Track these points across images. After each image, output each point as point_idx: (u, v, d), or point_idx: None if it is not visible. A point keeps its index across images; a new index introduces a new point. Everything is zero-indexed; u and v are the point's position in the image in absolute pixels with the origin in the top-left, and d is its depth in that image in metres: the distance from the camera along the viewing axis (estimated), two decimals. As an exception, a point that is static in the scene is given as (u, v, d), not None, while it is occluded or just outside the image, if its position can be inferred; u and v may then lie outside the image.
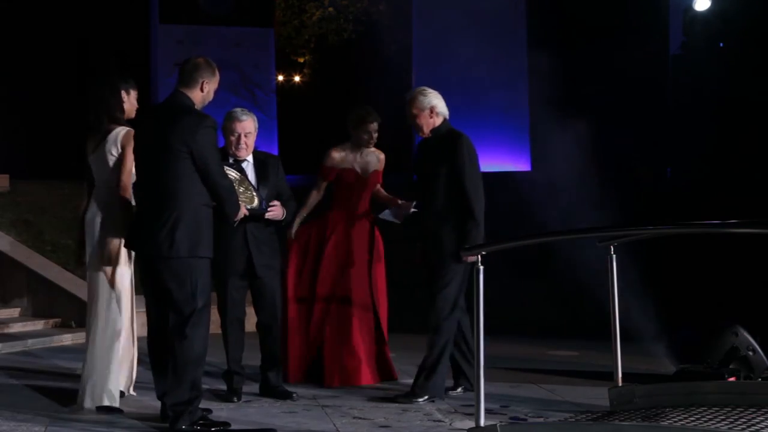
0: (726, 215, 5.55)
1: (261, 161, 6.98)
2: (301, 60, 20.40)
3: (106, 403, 6.37)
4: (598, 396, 6.58)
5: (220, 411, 6.43)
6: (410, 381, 7.21)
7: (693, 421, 5.05)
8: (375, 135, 7.55)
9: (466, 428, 5.52)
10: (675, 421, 5.07)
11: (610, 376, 5.72)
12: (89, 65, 14.48)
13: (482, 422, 5.04)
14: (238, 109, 7.00)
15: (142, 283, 6.09)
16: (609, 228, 6.21)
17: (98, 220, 6.57)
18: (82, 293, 7.95)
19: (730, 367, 6.89)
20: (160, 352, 5.95)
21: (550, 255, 9.78)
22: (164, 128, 5.86)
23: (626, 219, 9.17)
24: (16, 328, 9.64)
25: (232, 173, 6.63)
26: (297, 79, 20.60)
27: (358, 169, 7.57)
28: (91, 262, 6.56)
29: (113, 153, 6.49)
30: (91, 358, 6.44)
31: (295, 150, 15.34)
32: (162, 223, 5.79)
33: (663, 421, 5.11)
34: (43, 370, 7.92)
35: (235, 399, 6.85)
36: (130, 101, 6.69)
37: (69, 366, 7.89)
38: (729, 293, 8.64)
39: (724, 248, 8.65)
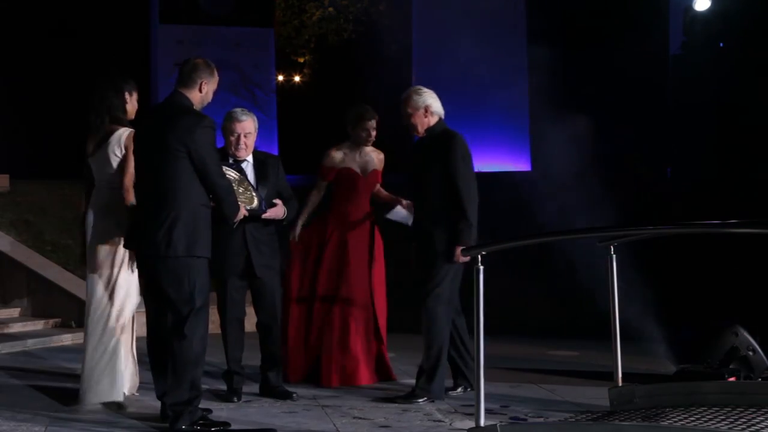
0: (726, 215, 5.55)
1: (261, 161, 6.98)
2: (301, 60, 20.40)
3: (104, 400, 6.42)
4: (598, 396, 6.58)
5: (220, 411, 6.43)
6: (410, 381, 7.22)
7: (693, 421, 5.05)
8: (373, 133, 7.56)
9: (466, 428, 5.52)
10: (675, 421, 5.07)
11: (610, 376, 5.72)
12: (89, 65, 14.46)
13: (482, 422, 5.04)
14: (238, 110, 7.00)
15: (141, 283, 6.10)
16: (609, 228, 6.21)
17: (99, 220, 6.59)
18: (82, 293, 7.95)
19: (730, 367, 6.89)
20: (160, 352, 5.95)
21: (550, 255, 9.78)
22: (163, 128, 5.87)
23: (626, 219, 9.17)
24: (16, 328, 9.64)
25: (232, 173, 6.63)
26: (297, 79, 20.60)
27: (358, 169, 7.58)
28: (90, 262, 6.58)
29: (117, 153, 6.50)
30: (88, 357, 6.48)
31: (295, 150, 15.33)
32: (160, 223, 5.80)
33: (663, 421, 5.11)
34: (43, 370, 7.92)
35: (235, 399, 6.85)
36: (131, 102, 6.72)
37: (69, 366, 7.89)
38: (729, 293, 8.64)
39: (724, 248, 8.65)
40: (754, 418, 5.06)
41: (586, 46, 14.55)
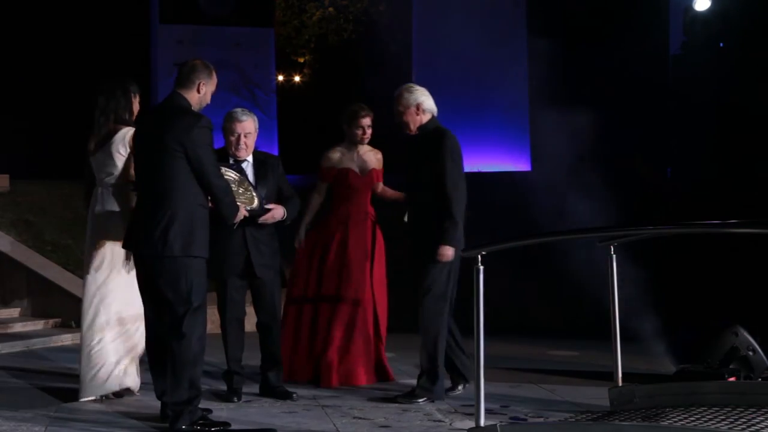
0: (726, 215, 5.55)
1: (261, 161, 6.98)
2: (301, 60, 20.40)
3: (98, 394, 6.53)
4: (598, 396, 6.58)
5: (220, 411, 6.43)
6: (409, 381, 7.21)
7: (693, 421, 5.06)
8: (369, 130, 7.56)
9: (466, 428, 5.52)
10: (675, 421, 5.07)
11: (610, 376, 5.72)
12: (89, 65, 14.47)
13: (482, 422, 5.04)
14: (238, 110, 7.00)
15: (139, 283, 6.11)
16: (609, 228, 6.22)
17: (98, 219, 6.61)
18: (81, 293, 7.96)
19: (730, 367, 6.89)
20: (159, 352, 5.96)
21: (550, 255, 9.78)
22: (160, 129, 5.89)
23: (626, 219, 9.17)
24: (16, 328, 9.64)
25: (232, 174, 6.63)
26: (297, 79, 20.60)
27: (357, 169, 7.58)
28: (87, 260, 6.63)
29: (121, 152, 6.54)
30: (82, 355, 6.59)
31: (295, 150, 15.33)
32: (156, 223, 5.81)
33: (663, 421, 5.12)
34: (43, 370, 7.92)
35: (235, 399, 6.84)
36: (135, 104, 6.75)
37: (69, 366, 7.89)
38: (729, 293, 8.64)
39: (724, 248, 8.65)
40: (754, 418, 5.06)
41: (586, 46, 14.55)
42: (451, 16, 15.34)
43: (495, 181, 13.58)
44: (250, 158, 6.94)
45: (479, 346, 5.04)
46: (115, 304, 6.61)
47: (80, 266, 7.23)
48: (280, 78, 19.38)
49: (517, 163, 15.82)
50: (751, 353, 7.00)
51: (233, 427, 6.04)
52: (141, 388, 6.85)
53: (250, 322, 7.11)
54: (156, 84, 15.67)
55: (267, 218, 6.79)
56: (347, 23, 19.03)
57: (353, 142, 7.59)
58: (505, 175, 14.32)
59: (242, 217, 6.49)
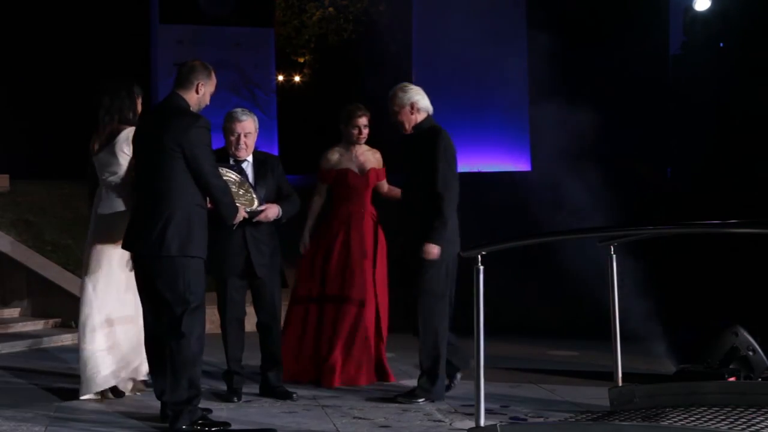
0: (726, 215, 5.55)
1: (261, 161, 6.98)
2: (301, 60, 20.42)
3: (93, 392, 6.58)
4: (598, 396, 6.58)
5: (220, 411, 6.43)
6: (409, 381, 7.21)
7: (693, 421, 5.06)
8: (365, 130, 7.57)
9: (466, 428, 5.52)
10: (675, 421, 5.07)
11: (610, 376, 5.72)
12: (89, 65, 14.47)
13: (482, 422, 5.04)
14: (239, 110, 7.00)
15: (137, 283, 6.11)
16: (609, 228, 6.22)
17: (101, 219, 6.63)
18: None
19: (730, 367, 6.89)
20: (158, 351, 5.96)
21: (550, 255, 9.78)
22: (159, 129, 5.90)
23: (626, 219, 9.17)
24: (16, 328, 9.64)
25: (232, 176, 6.63)
26: (297, 79, 20.61)
27: (356, 169, 7.58)
28: (86, 259, 6.67)
29: (126, 152, 6.56)
30: (79, 354, 6.64)
31: (295, 150, 15.33)
32: (154, 223, 5.82)
33: (663, 421, 5.12)
34: (43, 370, 7.92)
35: (235, 399, 6.84)
36: (138, 104, 6.77)
37: (69, 366, 7.89)
38: (729, 293, 8.64)
39: (724, 248, 8.65)
40: (754, 418, 5.06)
41: (586, 46, 14.54)
42: (451, 16, 15.34)
43: (495, 181, 13.59)
44: (250, 158, 6.94)
45: (479, 346, 5.04)
46: (110, 304, 6.62)
47: (80, 266, 7.22)
48: (280, 78, 19.39)
49: (517, 163, 15.83)
50: (751, 353, 7.00)
51: (233, 427, 6.04)
52: (141, 387, 6.86)
53: (250, 322, 7.11)
54: (156, 84, 15.68)
55: (261, 218, 6.78)
56: (347, 23, 19.03)
57: (350, 142, 7.60)
58: (505, 175, 14.32)
59: (242, 219, 6.49)
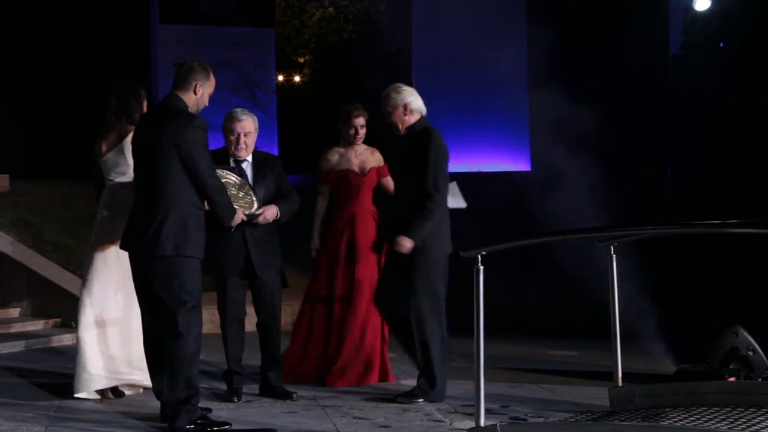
0: (726, 215, 5.55)
1: (260, 161, 6.98)
2: (301, 60, 20.42)
3: (81, 392, 6.61)
4: (598, 396, 6.58)
5: (220, 411, 6.43)
6: (410, 381, 7.21)
7: (693, 421, 5.05)
8: (362, 130, 7.57)
9: (466, 428, 5.52)
10: (675, 421, 5.07)
11: (610, 376, 5.72)
12: (89, 65, 14.47)
13: (482, 422, 5.04)
14: (238, 109, 7.00)
15: (135, 283, 6.11)
16: (609, 228, 6.21)
17: (107, 219, 6.65)
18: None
19: (730, 367, 6.89)
20: (156, 351, 5.97)
21: (550, 255, 9.78)
22: (156, 129, 5.91)
23: (626, 219, 9.17)
24: (16, 328, 9.64)
25: (233, 178, 6.63)
26: (297, 79, 20.61)
27: (356, 169, 7.59)
28: (86, 259, 6.68)
29: None
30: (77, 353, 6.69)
31: (295, 150, 15.34)
32: (149, 223, 5.83)
33: (663, 421, 5.11)
34: (44, 370, 7.92)
35: (235, 399, 6.85)
36: (143, 105, 6.79)
37: (69, 366, 7.86)
38: (729, 293, 8.64)
39: (724, 248, 8.65)
40: (754, 418, 5.06)
41: (586, 46, 14.54)
42: (451, 16, 15.34)
43: (495, 181, 13.59)
44: (250, 158, 6.93)
45: (479, 346, 5.03)
46: (102, 304, 6.64)
47: (80, 266, 7.24)
48: (280, 78, 19.39)
49: (517, 163, 15.83)
50: (751, 353, 6.99)
51: (233, 427, 6.04)
52: (139, 388, 6.86)
53: (250, 322, 7.11)
54: (156, 84, 15.68)
55: (259, 220, 6.77)
56: (347, 23, 19.04)
57: (348, 142, 7.60)
58: (505, 175, 14.32)
59: (239, 221, 6.46)
